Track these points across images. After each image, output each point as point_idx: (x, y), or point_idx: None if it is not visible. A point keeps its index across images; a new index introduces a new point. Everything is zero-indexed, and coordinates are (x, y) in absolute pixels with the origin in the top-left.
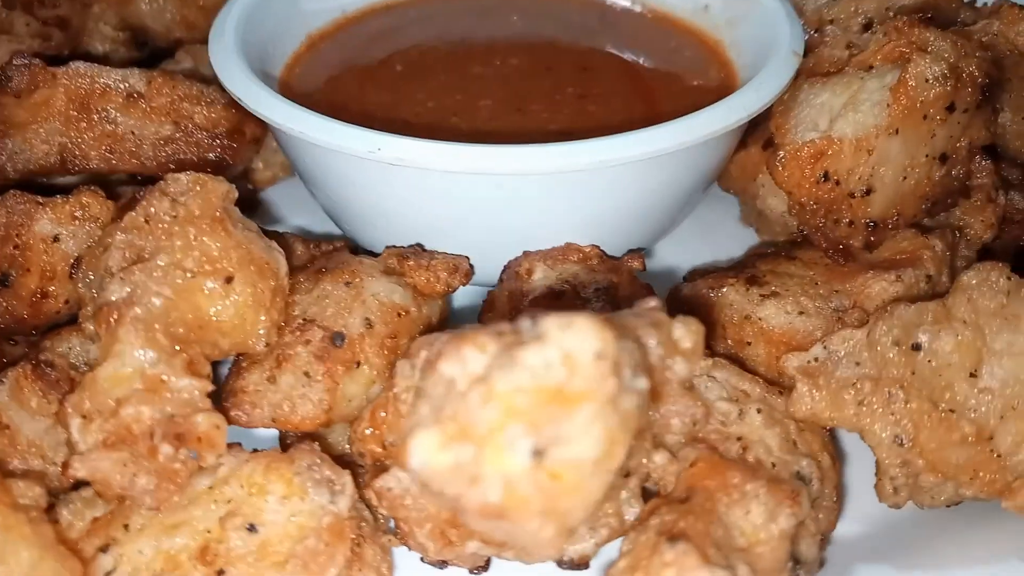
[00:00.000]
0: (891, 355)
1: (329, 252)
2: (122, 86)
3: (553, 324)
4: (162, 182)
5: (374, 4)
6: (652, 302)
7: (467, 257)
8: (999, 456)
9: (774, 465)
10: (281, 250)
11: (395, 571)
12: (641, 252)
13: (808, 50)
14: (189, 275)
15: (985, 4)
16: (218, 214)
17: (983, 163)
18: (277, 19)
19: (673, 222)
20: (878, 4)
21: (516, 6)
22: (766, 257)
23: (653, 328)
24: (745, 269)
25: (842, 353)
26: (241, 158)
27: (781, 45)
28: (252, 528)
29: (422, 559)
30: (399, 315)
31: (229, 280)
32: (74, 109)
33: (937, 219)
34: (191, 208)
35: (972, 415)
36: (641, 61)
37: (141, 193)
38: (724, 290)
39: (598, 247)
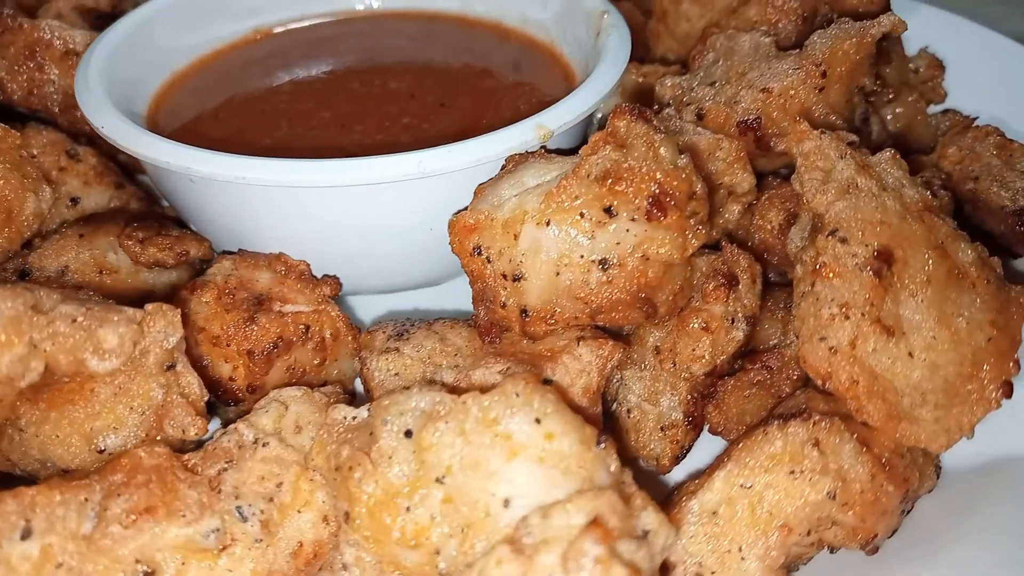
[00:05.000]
0: (378, 429)
1: (109, 211)
2: (68, 44)
3: None
4: None
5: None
6: (149, 306)
7: (204, 242)
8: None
9: (220, 491)
10: (46, 199)
11: None
12: (335, 278)
13: None
14: None
15: None
16: None
17: (716, 290)
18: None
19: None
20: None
21: (434, 34)
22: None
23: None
24: (417, 325)
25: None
26: None
27: (536, 115)
28: None
29: None
30: (100, 272)
31: None
32: (23, 54)
33: (651, 333)
34: None
35: (425, 520)
36: (502, 104)
37: None
38: (372, 335)
39: (306, 264)
